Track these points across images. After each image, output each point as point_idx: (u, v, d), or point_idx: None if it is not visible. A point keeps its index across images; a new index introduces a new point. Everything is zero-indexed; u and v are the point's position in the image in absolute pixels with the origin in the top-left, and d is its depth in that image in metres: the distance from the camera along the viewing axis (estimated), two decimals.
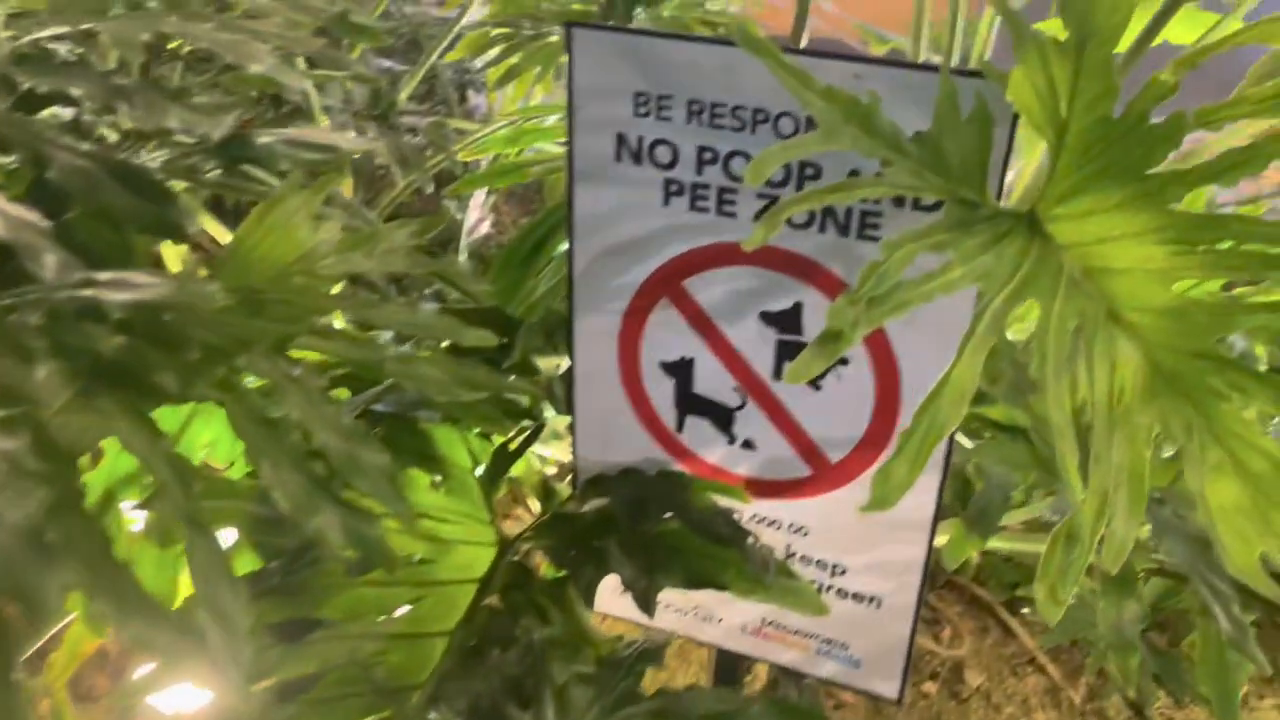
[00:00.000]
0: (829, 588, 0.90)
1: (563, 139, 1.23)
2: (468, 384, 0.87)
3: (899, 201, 0.72)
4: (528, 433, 0.97)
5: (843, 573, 0.89)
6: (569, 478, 1.05)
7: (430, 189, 1.86)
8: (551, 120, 1.17)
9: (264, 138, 0.61)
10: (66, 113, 0.66)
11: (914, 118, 0.67)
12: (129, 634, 0.48)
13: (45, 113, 0.65)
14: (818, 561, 0.89)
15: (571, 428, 0.93)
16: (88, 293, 0.48)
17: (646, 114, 0.75)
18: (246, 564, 0.97)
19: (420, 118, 1.93)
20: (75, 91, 0.60)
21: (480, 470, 0.95)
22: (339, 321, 1.14)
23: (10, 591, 0.42)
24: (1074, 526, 0.55)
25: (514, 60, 1.44)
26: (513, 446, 0.96)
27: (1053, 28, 0.65)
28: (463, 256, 1.38)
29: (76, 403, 0.56)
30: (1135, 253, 0.60)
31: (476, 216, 1.36)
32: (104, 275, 0.49)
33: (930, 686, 1.37)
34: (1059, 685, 1.37)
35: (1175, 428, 0.58)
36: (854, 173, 0.72)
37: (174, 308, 0.47)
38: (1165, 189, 0.59)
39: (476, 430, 1.01)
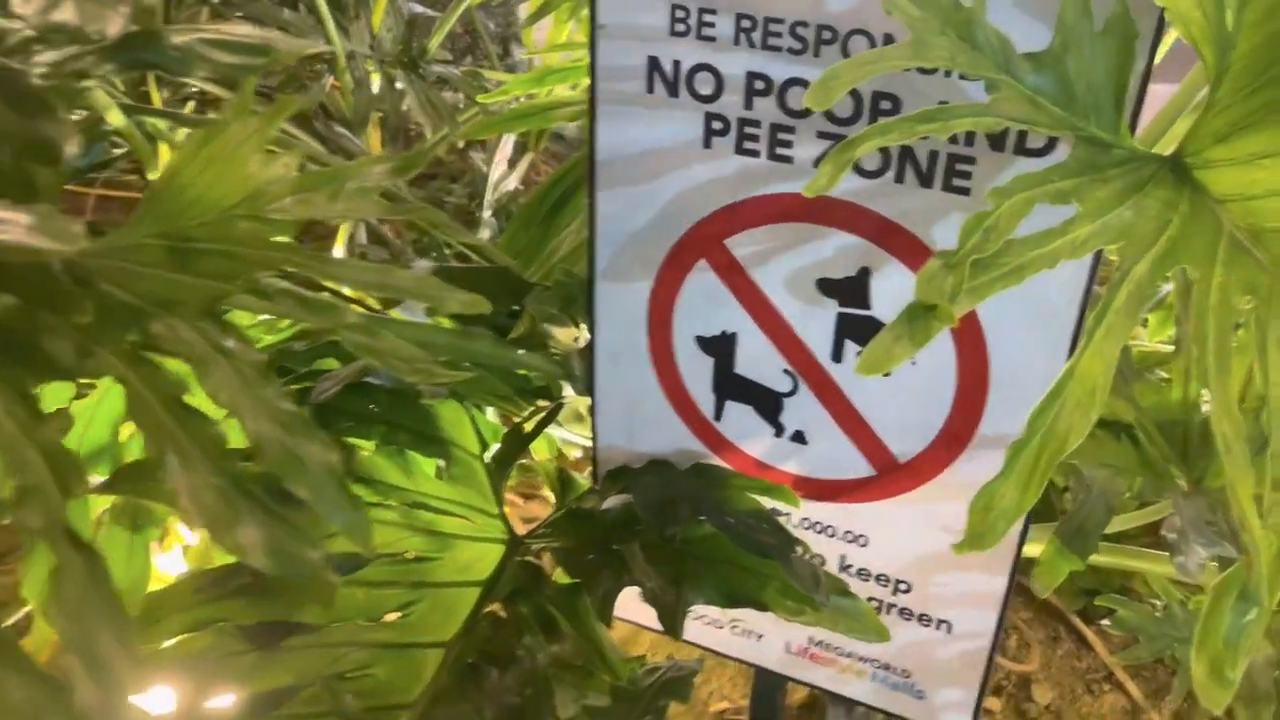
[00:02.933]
0: (890, 607, 0.76)
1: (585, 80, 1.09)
2: (468, 356, 0.75)
3: (997, 144, 0.57)
4: (544, 414, 0.84)
5: (907, 590, 0.75)
6: (590, 469, 0.92)
7: (462, 144, 1.73)
8: (581, 56, 1.03)
9: (179, 36, 0.48)
10: None
11: (1027, 31, 0.52)
12: None
13: None
14: (878, 576, 0.75)
15: (592, 410, 0.80)
16: None
17: (686, 32, 0.61)
18: (223, 555, 0.86)
19: (452, 68, 1.79)
20: None
21: (490, 455, 0.83)
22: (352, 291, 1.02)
23: None
24: (1246, 578, 0.42)
25: None
26: (527, 428, 0.83)
27: None
28: (487, 213, 1.25)
29: None
30: None
31: (501, 170, 1.23)
32: None
33: (994, 703, 1.23)
34: (1140, 706, 1.22)
35: None
36: (943, 105, 0.57)
37: (27, 251, 0.35)
38: None
39: (490, 410, 0.89)
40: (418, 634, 0.76)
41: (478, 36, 2.46)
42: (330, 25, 1.64)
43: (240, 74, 0.50)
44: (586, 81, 0.88)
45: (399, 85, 1.68)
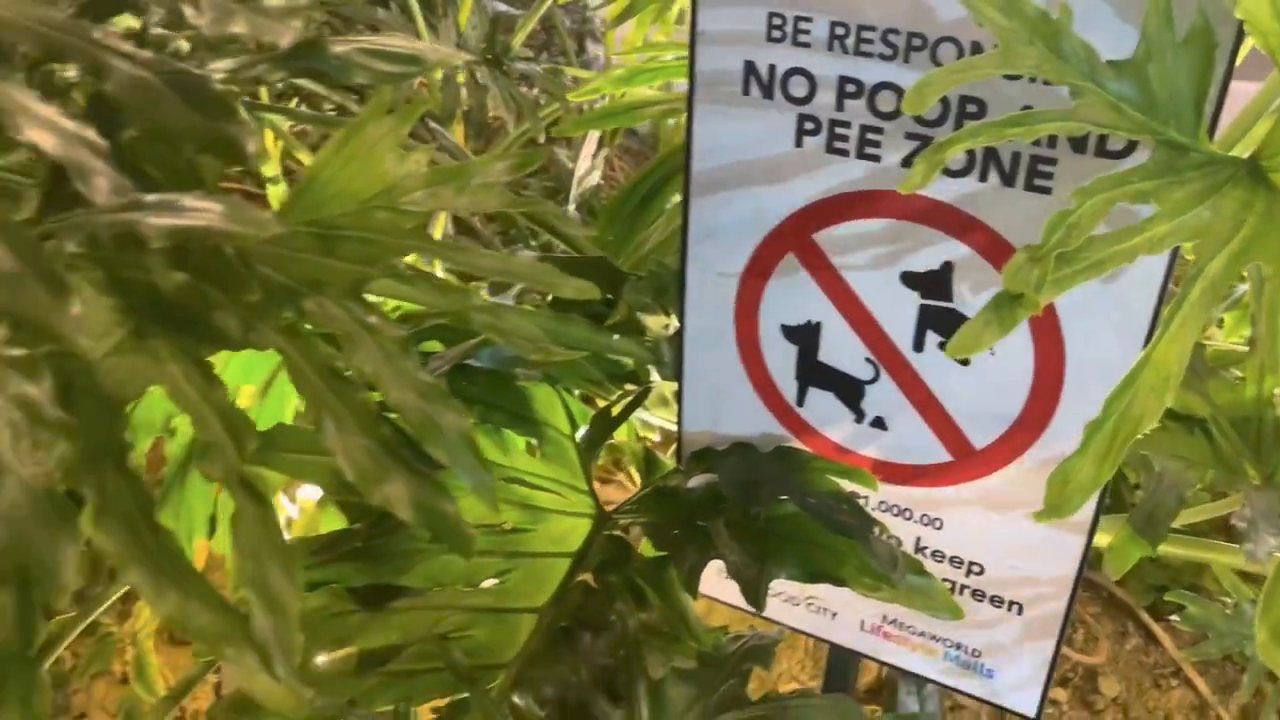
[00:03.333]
0: (963, 588, 0.79)
1: (681, 79, 1.13)
2: (565, 341, 0.80)
3: (1079, 146, 0.60)
4: (631, 397, 0.88)
5: (980, 573, 0.78)
6: (672, 449, 0.97)
7: (542, 139, 1.79)
8: (669, 58, 1.07)
9: (340, 46, 0.53)
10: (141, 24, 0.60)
11: (1107, 40, 0.56)
12: (164, 610, 0.42)
13: (116, 22, 0.59)
14: (952, 558, 0.79)
15: (678, 394, 0.84)
16: (129, 216, 0.41)
17: (781, 38, 0.65)
18: (331, 522, 0.92)
19: (534, 65, 1.85)
20: None
21: (580, 435, 0.87)
22: (438, 269, 1.07)
23: (18, 561, 0.36)
24: None
25: None
26: (615, 411, 0.88)
27: None
28: (571, 207, 1.30)
29: (129, 343, 0.50)
30: None
31: (586, 165, 1.28)
32: (152, 198, 0.43)
33: (1060, 694, 1.25)
34: (1208, 702, 1.23)
35: None
36: (1026, 109, 0.60)
37: (224, 237, 0.41)
38: None
39: (577, 392, 0.93)
40: (513, 600, 0.81)
41: (554, 32, 2.52)
42: (420, 23, 1.70)
43: (395, 80, 0.55)
44: (671, 80, 0.92)
45: (483, 81, 1.74)
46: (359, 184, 0.56)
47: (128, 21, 0.62)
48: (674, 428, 0.92)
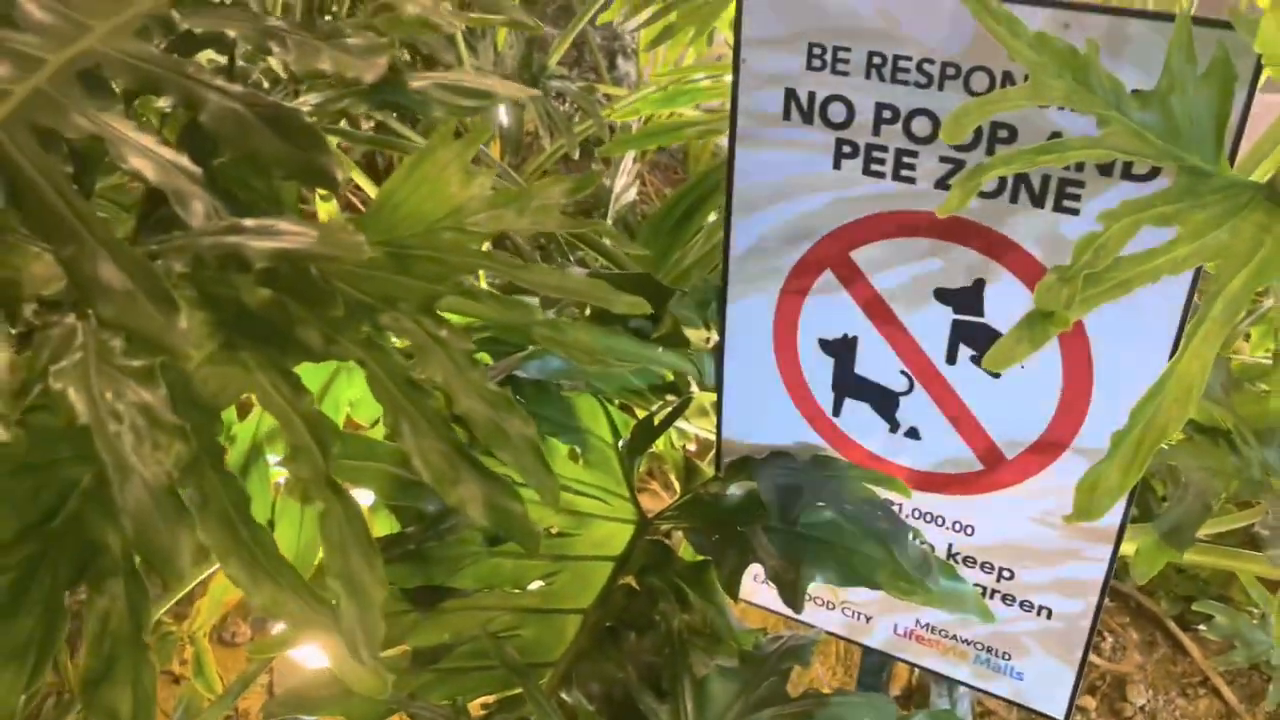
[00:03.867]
0: (994, 593, 0.82)
1: (719, 100, 1.17)
2: (615, 354, 0.83)
3: (1105, 170, 0.63)
4: (673, 407, 0.92)
5: (1010, 578, 0.81)
6: (709, 456, 1.00)
7: (576, 155, 1.83)
8: (704, 80, 1.11)
9: (418, 82, 0.57)
10: (223, 59, 0.64)
11: (1130, 73, 0.59)
12: (259, 600, 0.46)
13: (201, 56, 0.63)
14: (982, 564, 0.82)
15: (718, 405, 0.88)
16: (232, 239, 0.45)
17: (821, 67, 0.68)
18: (383, 526, 0.96)
19: (569, 82, 1.90)
20: (230, 32, 0.57)
21: (621, 443, 0.91)
22: (482, 281, 1.12)
23: (143, 552, 0.40)
24: None
25: (669, 19, 1.38)
26: (656, 421, 0.91)
27: None
28: (609, 223, 1.34)
29: (220, 355, 0.54)
30: None
31: (624, 182, 1.32)
32: (250, 222, 0.47)
33: (1089, 701, 1.27)
34: (1235, 711, 1.25)
35: None
36: (1055, 136, 0.64)
37: (320, 259, 0.44)
38: None
39: (618, 401, 0.97)
40: (559, 601, 0.85)
41: (586, 49, 2.57)
42: (461, 44, 1.76)
43: (470, 114, 0.59)
44: (708, 101, 0.96)
45: (520, 99, 1.78)
46: (428, 206, 0.60)
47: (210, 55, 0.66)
48: (711, 436, 0.95)
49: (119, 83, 0.55)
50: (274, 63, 0.58)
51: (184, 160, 0.51)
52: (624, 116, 1.18)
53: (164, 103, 0.61)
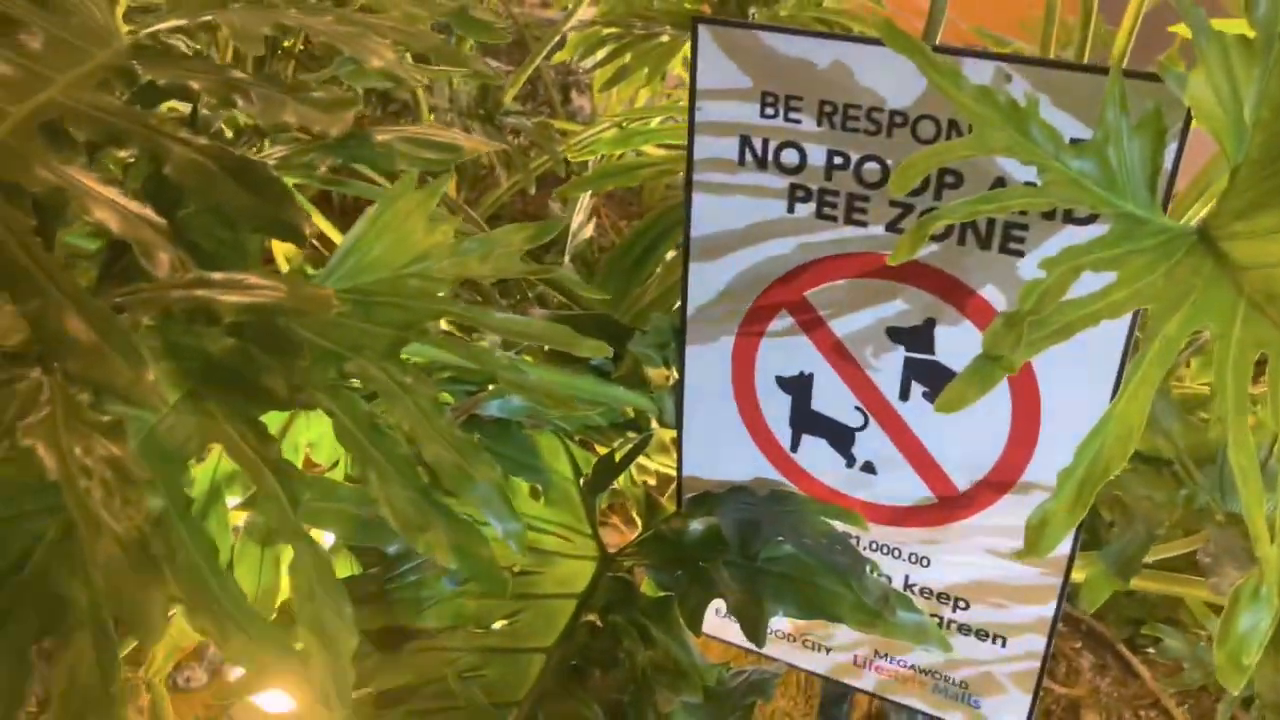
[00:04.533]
0: (949, 623, 0.84)
1: (670, 141, 1.19)
2: (578, 394, 0.84)
3: (1048, 214, 0.66)
4: (633, 445, 0.93)
5: (965, 608, 0.83)
6: (670, 491, 1.01)
7: (532, 190, 1.84)
8: (656, 122, 1.13)
9: (383, 135, 0.58)
10: (185, 108, 0.65)
11: (1069, 123, 0.62)
12: (230, 652, 0.46)
13: (163, 106, 0.64)
14: (939, 595, 0.84)
15: (678, 442, 0.89)
16: (201, 293, 0.46)
17: (774, 115, 0.70)
18: (344, 568, 0.96)
19: (524, 119, 1.91)
20: (194, 85, 0.58)
21: (583, 480, 0.92)
22: (443, 324, 1.12)
23: (115, 606, 0.41)
24: (1258, 585, 0.50)
25: (624, 60, 1.41)
26: (617, 457, 0.92)
27: (1231, 28, 0.59)
28: (567, 260, 1.35)
29: (185, 405, 0.54)
30: None
31: (580, 220, 1.33)
32: (218, 276, 0.47)
33: None
34: None
35: None
36: (999, 181, 0.66)
37: (288, 311, 0.45)
38: None
39: (579, 438, 0.98)
40: (523, 640, 0.85)
41: (541, 84, 2.59)
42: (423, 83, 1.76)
43: (437, 167, 0.60)
44: (666, 140, 0.98)
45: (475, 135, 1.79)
46: (392, 253, 0.61)
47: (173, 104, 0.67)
48: (671, 471, 0.96)
49: (82, 134, 0.56)
50: (238, 113, 0.58)
51: (148, 212, 0.52)
52: (581, 157, 1.20)
53: (126, 153, 0.62)
